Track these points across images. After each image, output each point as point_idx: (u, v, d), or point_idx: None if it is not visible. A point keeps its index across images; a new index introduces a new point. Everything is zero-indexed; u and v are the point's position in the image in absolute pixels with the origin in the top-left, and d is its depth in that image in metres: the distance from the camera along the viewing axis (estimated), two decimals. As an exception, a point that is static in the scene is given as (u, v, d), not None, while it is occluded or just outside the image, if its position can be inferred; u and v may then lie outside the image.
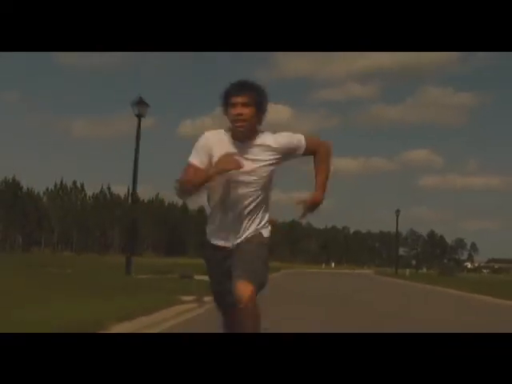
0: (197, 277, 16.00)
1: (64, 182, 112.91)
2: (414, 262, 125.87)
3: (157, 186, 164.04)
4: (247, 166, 3.07)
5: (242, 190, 3.13)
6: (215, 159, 3.07)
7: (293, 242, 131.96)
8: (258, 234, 3.20)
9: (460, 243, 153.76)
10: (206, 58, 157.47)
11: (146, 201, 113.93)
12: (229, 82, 3.16)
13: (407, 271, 59.94)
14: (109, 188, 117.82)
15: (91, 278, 13.76)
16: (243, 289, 2.96)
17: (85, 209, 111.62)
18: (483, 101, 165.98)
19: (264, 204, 3.22)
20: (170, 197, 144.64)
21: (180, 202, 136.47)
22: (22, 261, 27.34)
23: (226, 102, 3.09)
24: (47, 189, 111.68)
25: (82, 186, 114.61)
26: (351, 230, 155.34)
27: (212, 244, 3.26)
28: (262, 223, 3.22)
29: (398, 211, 48.68)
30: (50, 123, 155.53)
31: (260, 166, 3.11)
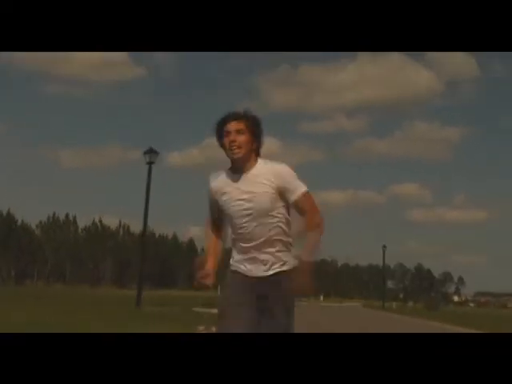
0: (195, 309, 17.69)
1: (57, 215, 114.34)
2: (401, 296, 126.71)
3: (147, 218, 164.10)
4: (245, 195, 2.93)
5: (248, 224, 2.95)
6: (223, 198, 3.00)
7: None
8: (285, 278, 2.93)
9: (447, 276, 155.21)
10: (193, 90, 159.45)
11: (136, 233, 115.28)
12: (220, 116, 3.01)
13: (394, 304, 62.09)
14: (100, 221, 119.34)
15: (109, 312, 15.17)
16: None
17: (77, 241, 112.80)
18: (469, 135, 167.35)
19: (280, 237, 2.96)
20: (161, 228, 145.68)
21: (170, 234, 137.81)
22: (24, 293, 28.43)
23: (220, 132, 2.96)
24: (40, 222, 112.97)
25: (75, 218, 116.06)
26: (339, 263, 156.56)
27: (232, 270, 3.08)
28: (284, 260, 2.97)
29: (384, 247, 50.56)
30: (37, 155, 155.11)
31: (256, 196, 2.92)
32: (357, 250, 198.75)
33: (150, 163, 19.38)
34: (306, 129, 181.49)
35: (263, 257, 2.97)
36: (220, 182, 3.05)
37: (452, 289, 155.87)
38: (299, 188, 2.94)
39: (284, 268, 2.96)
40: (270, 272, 2.96)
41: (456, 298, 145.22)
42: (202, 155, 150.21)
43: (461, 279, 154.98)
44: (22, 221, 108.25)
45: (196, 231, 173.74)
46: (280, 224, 2.98)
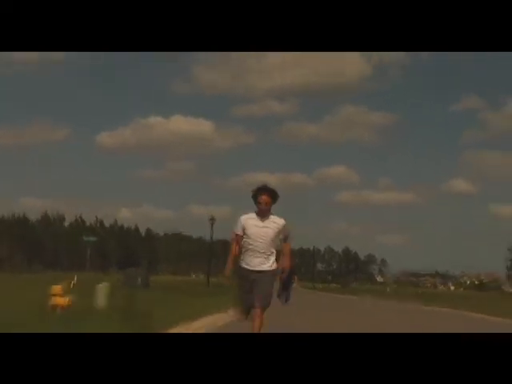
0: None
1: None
2: (329, 277, 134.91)
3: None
4: (263, 230, 5.73)
5: (262, 242, 5.75)
6: (249, 227, 5.74)
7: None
8: (270, 270, 5.75)
9: (371, 258, 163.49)
10: (124, 68, 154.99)
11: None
12: (258, 186, 5.82)
13: (320, 285, 72.96)
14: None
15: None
16: (257, 310, 5.67)
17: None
18: (395, 120, 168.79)
19: (271, 250, 5.79)
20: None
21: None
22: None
23: (257, 195, 5.72)
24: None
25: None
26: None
27: (242, 267, 5.87)
28: (271, 262, 5.78)
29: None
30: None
31: (268, 231, 5.75)
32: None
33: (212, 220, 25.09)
34: (238, 112, 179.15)
35: (259, 260, 5.81)
36: (250, 217, 5.87)
37: (376, 270, 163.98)
38: (287, 232, 5.93)
39: (268, 268, 5.86)
40: (260, 268, 5.82)
41: (379, 279, 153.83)
42: (133, 137, 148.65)
43: (384, 261, 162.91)
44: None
45: (126, 212, 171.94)
46: (272, 244, 5.85)
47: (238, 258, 5.96)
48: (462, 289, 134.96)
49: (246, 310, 6.00)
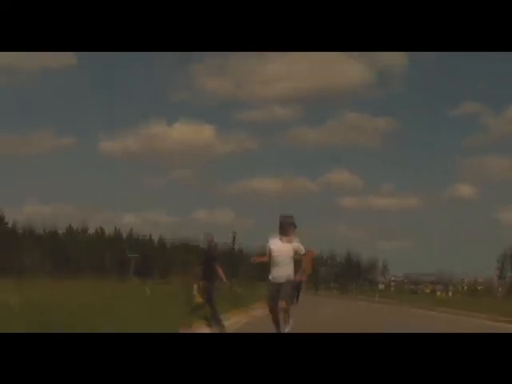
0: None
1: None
2: (332, 282, 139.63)
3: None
4: (285, 249, 7.84)
5: (282, 258, 7.85)
6: (273, 248, 7.89)
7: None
8: (290, 279, 7.79)
9: (373, 264, 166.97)
10: (125, 75, 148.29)
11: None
12: (281, 216, 7.94)
13: (322, 291, 79.27)
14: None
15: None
16: (282, 303, 7.78)
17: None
18: (398, 125, 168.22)
19: (291, 265, 7.87)
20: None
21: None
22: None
23: (284, 222, 7.93)
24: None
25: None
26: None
27: (271, 280, 8.06)
28: (291, 272, 7.85)
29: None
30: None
31: (289, 250, 7.84)
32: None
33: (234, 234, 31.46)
34: (241, 117, 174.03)
35: (281, 273, 8.08)
36: (276, 240, 8.15)
37: (377, 275, 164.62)
38: (302, 250, 8.27)
39: (287, 279, 8.16)
40: (282, 280, 8.16)
41: (380, 286, 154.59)
42: (136, 143, 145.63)
43: (385, 266, 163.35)
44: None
45: (131, 218, 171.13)
46: (291, 260, 8.16)
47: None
48: (459, 295, 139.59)
49: (273, 308, 8.11)
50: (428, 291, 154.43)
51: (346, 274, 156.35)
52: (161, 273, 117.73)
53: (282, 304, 7.94)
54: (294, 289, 8.63)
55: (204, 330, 10.69)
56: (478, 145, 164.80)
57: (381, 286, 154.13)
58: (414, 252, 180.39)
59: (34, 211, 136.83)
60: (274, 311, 8.08)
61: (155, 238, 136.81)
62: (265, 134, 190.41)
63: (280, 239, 8.03)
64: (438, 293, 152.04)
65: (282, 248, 8.01)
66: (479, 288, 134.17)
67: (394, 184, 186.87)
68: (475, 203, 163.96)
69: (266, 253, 8.13)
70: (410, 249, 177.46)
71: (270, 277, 8.18)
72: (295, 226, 8.05)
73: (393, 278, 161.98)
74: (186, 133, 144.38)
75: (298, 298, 9.35)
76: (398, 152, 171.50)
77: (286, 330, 7.98)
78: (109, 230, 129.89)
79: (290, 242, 8.03)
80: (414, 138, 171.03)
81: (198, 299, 20.34)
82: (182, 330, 9.61)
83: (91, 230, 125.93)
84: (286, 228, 8.01)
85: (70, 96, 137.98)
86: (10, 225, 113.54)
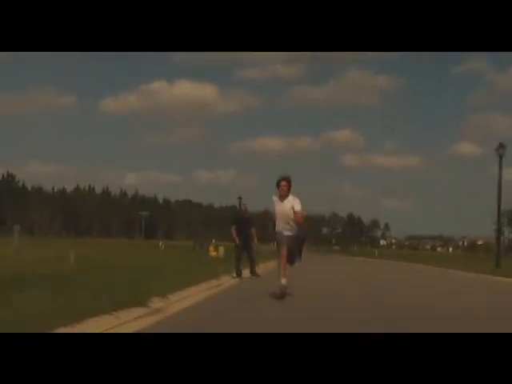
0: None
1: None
2: (333, 241, 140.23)
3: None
4: (285, 207, 8.71)
5: (284, 215, 8.74)
6: (274, 207, 8.90)
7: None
8: (293, 233, 8.74)
9: (375, 223, 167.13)
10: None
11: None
12: (279, 176, 8.83)
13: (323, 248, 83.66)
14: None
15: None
16: (284, 249, 8.68)
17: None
18: (401, 83, 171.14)
19: (291, 220, 8.70)
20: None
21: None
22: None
23: (279, 183, 8.75)
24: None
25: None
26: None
27: (278, 231, 8.88)
28: (293, 226, 8.74)
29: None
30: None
31: (289, 208, 8.67)
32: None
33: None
34: (243, 76, 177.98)
35: (287, 227, 9.01)
36: (276, 199, 9.03)
37: (379, 233, 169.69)
38: (299, 206, 8.86)
39: (291, 233, 9.03)
40: (289, 233, 9.03)
41: (382, 242, 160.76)
42: (138, 102, 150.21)
43: (386, 225, 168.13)
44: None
45: (132, 178, 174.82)
46: (291, 216, 8.94)
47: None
48: (459, 250, 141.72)
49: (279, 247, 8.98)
50: (428, 247, 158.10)
51: (348, 233, 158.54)
52: (166, 232, 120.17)
53: (283, 251, 8.76)
54: (296, 240, 9.13)
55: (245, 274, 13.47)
56: (482, 103, 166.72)
57: (382, 243, 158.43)
58: (415, 212, 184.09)
59: (36, 171, 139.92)
60: (280, 256, 8.89)
61: (159, 197, 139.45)
62: (267, 92, 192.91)
63: (279, 198, 9.01)
64: (439, 248, 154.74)
65: (281, 206, 8.94)
66: (479, 243, 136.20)
67: (395, 142, 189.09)
68: (478, 161, 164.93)
69: (272, 210, 9.23)
70: (412, 208, 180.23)
71: (275, 229, 9.10)
72: (290, 186, 8.93)
73: (394, 241, 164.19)
74: (187, 92, 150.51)
75: (300, 255, 9.61)
76: (402, 110, 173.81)
77: (282, 282, 8.60)
78: (114, 191, 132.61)
79: (286, 199, 8.88)
80: (417, 96, 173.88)
81: (212, 253, 23.45)
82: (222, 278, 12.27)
83: (98, 190, 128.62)
84: (281, 189, 8.95)
85: (71, 56, 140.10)
86: (20, 184, 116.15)
